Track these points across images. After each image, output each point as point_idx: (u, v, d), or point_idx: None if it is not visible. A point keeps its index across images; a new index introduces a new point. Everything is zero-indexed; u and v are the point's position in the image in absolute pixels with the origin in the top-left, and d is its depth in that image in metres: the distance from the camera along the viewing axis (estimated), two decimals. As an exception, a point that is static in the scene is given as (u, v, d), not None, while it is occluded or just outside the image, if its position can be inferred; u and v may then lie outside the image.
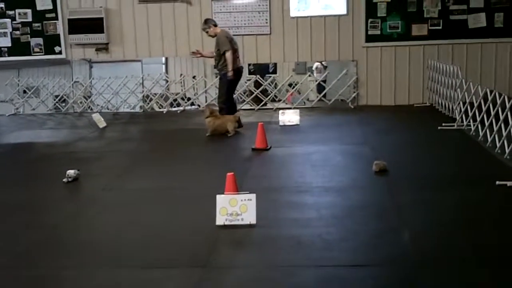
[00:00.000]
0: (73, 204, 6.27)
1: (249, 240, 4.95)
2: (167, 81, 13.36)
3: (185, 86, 13.34)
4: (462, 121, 9.39)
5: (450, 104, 10.44)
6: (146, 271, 4.36)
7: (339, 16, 12.67)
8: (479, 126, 8.55)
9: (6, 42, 13.58)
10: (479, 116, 8.66)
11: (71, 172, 6.92)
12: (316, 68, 13.14)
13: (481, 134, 8.35)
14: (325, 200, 5.96)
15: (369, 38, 12.60)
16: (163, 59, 13.52)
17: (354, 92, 12.72)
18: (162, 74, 13.45)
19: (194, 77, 13.21)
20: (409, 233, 4.88)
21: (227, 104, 10.09)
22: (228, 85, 10.09)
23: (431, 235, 4.88)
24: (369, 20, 12.53)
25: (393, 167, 6.92)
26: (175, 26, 13.10)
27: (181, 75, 13.41)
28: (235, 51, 10.06)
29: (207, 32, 10.31)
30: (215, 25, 10.26)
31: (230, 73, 9.91)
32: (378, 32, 12.57)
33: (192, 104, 13.30)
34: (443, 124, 9.55)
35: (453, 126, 9.46)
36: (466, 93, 9.39)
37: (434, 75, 11.70)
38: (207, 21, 10.34)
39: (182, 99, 13.24)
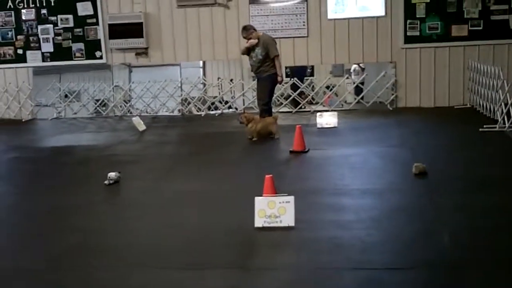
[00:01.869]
0: (114, 207, 6.38)
1: (288, 242, 4.96)
2: (205, 85, 13.46)
3: (223, 90, 13.42)
4: (504, 123, 9.22)
5: (491, 105, 10.27)
6: (185, 272, 4.40)
7: (377, 17, 12.59)
8: (522, 127, 8.41)
9: (48, 47, 13.90)
10: (521, 117, 8.51)
11: (112, 174, 7.04)
12: (354, 70, 13.06)
13: (523, 136, 8.20)
14: (364, 203, 5.92)
15: (408, 40, 12.48)
16: (201, 62, 13.61)
17: (393, 94, 12.61)
18: (200, 77, 13.55)
19: (231, 80, 13.28)
20: (449, 236, 4.82)
21: (269, 105, 10.30)
22: (271, 87, 10.23)
23: (471, 239, 4.80)
24: (408, 21, 12.41)
25: (433, 170, 6.84)
26: (213, 30, 13.20)
27: (218, 78, 13.49)
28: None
29: (249, 39, 10.17)
30: (255, 29, 10.33)
31: (280, 78, 10.22)
32: (417, 33, 12.43)
33: (230, 107, 13.37)
34: (485, 126, 9.39)
35: (495, 128, 9.30)
36: (508, 94, 9.22)
37: (474, 76, 11.53)
38: (247, 28, 10.31)
39: (220, 102, 13.33)
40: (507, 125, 9.11)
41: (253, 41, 10.05)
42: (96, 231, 5.46)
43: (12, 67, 14.13)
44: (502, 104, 9.46)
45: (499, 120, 9.42)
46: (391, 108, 12.46)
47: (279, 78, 10.20)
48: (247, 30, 10.25)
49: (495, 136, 8.94)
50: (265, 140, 9.43)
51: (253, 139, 9.47)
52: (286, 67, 13.13)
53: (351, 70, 13.04)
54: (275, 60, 10.09)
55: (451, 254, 4.49)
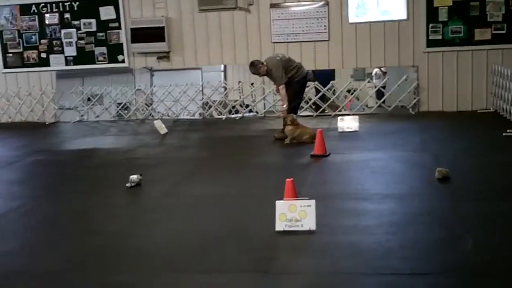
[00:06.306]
0: (135, 209, 6.41)
1: (309, 246, 4.94)
2: (225, 89, 13.49)
3: (243, 93, 13.44)
4: (528, 128, 9.12)
5: (515, 110, 10.15)
6: (206, 276, 4.41)
7: (399, 21, 12.53)
8: (546, 132, 8.29)
9: (71, 51, 14.06)
10: (546, 122, 8.39)
11: (134, 177, 7.08)
12: (376, 74, 13.00)
13: (548, 140, 8.09)
14: (385, 207, 5.88)
15: (430, 43, 12.39)
16: (222, 66, 13.65)
17: (415, 98, 12.52)
18: (221, 81, 13.58)
19: (252, 84, 13.29)
20: (472, 241, 4.76)
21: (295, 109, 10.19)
22: (298, 89, 10.15)
23: (493, 245, 4.74)
24: (430, 25, 12.32)
25: (456, 175, 6.77)
26: (234, 34, 13.24)
27: (239, 82, 13.51)
28: (288, 67, 9.95)
29: (259, 74, 10.12)
30: (262, 63, 10.01)
31: (286, 107, 9.84)
32: (440, 37, 12.34)
33: (250, 111, 13.38)
34: (508, 131, 9.27)
35: (519, 132, 9.20)
36: (532, 98, 9.12)
37: (498, 80, 11.41)
38: (255, 64, 9.98)
39: (241, 106, 13.35)
40: (531, 129, 9.01)
41: (283, 91, 9.79)
42: (118, 234, 5.49)
43: (36, 71, 14.31)
44: (526, 108, 9.35)
45: (523, 124, 9.32)
46: (413, 112, 12.37)
47: (285, 107, 9.84)
48: (255, 66, 9.96)
49: (519, 141, 8.84)
50: (288, 144, 9.42)
51: (286, 141, 9.45)
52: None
53: (373, 74, 12.98)
54: (280, 89, 9.87)
55: (474, 260, 4.44)
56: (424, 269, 4.32)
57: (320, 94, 12.77)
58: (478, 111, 12.15)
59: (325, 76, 12.96)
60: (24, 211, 6.49)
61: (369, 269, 4.37)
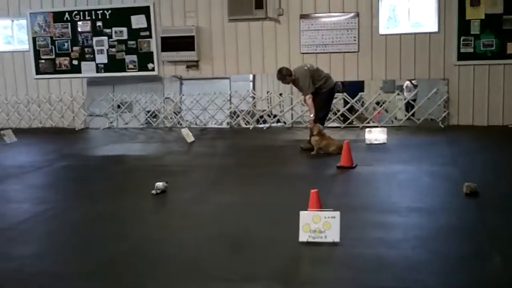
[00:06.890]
0: (160, 216, 6.43)
1: (333, 258, 4.89)
2: (254, 98, 13.51)
3: (272, 103, 13.44)
4: (561, 143, 8.93)
5: (547, 125, 9.96)
6: (229, 284, 4.38)
7: (430, 33, 12.42)
8: None
9: (102, 58, 14.24)
10: None
11: (159, 184, 7.11)
12: (406, 86, 12.90)
13: None
14: (412, 221, 5.80)
15: (461, 56, 12.26)
16: (251, 76, 13.68)
17: (445, 112, 12.38)
18: (249, 91, 13.61)
19: (280, 94, 13.29)
20: (499, 257, 4.66)
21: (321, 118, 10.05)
22: (326, 101, 10.05)
23: (524, 261, 4.64)
24: (462, 38, 12.19)
25: (485, 190, 6.65)
26: (263, 44, 13.26)
27: (267, 92, 13.52)
28: (316, 78, 9.86)
29: (285, 82, 10.11)
30: (290, 75, 9.91)
31: (312, 116, 9.72)
32: (471, 50, 12.20)
33: (278, 121, 13.37)
34: (540, 146, 9.12)
35: (551, 148, 9.01)
36: None
37: (530, 95, 11.23)
38: (282, 72, 9.92)
39: (269, 116, 13.35)
40: None
41: (310, 101, 9.73)
42: (142, 240, 5.50)
43: (67, 77, 14.52)
44: (559, 124, 9.17)
45: (556, 140, 9.13)
46: (442, 126, 12.23)
47: (312, 116, 9.73)
48: (282, 75, 9.92)
49: (551, 157, 8.67)
50: (311, 154, 9.38)
51: (313, 152, 9.41)
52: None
53: (404, 87, 12.88)
54: (306, 99, 9.82)
55: (501, 276, 4.34)
56: (453, 285, 4.22)
57: (348, 106, 12.72)
58: (509, 126, 11.96)
59: (354, 88, 12.89)
60: (50, 215, 6.54)
61: (394, 282, 4.29)
